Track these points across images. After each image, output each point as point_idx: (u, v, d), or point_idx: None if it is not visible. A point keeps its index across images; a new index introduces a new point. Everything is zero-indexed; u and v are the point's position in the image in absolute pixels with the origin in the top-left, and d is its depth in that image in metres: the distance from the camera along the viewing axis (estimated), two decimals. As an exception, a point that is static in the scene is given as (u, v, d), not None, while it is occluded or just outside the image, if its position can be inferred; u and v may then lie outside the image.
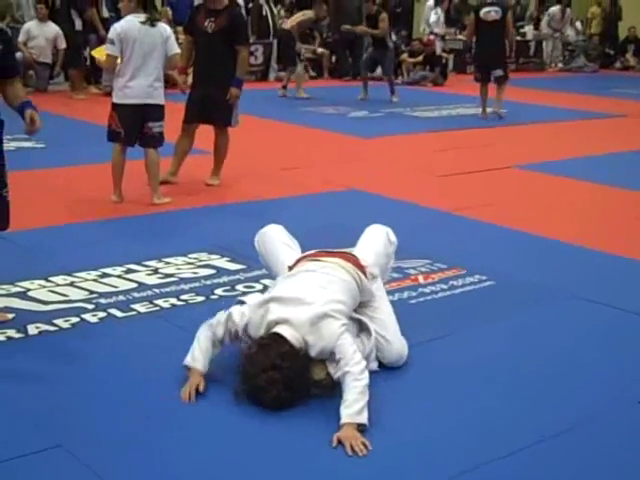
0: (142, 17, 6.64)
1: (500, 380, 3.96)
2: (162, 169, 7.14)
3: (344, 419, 3.36)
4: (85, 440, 3.31)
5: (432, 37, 17.41)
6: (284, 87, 14.04)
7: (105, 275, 5.13)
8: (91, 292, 4.86)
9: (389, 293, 4.47)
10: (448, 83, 16.92)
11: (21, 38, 13.17)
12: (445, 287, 5.14)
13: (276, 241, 4.40)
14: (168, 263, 5.39)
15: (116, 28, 6.67)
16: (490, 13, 11.86)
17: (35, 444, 3.26)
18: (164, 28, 6.85)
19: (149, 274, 5.20)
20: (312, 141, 10.22)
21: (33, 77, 13.57)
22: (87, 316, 4.53)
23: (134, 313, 4.61)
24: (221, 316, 3.82)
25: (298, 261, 4.14)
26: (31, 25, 13.43)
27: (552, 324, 4.67)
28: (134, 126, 6.69)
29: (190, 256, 5.54)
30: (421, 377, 3.95)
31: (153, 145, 6.80)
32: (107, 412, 3.54)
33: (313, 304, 3.68)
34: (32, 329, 4.33)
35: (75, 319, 4.48)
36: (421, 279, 5.26)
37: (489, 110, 12.29)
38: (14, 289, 4.84)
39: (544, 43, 20.99)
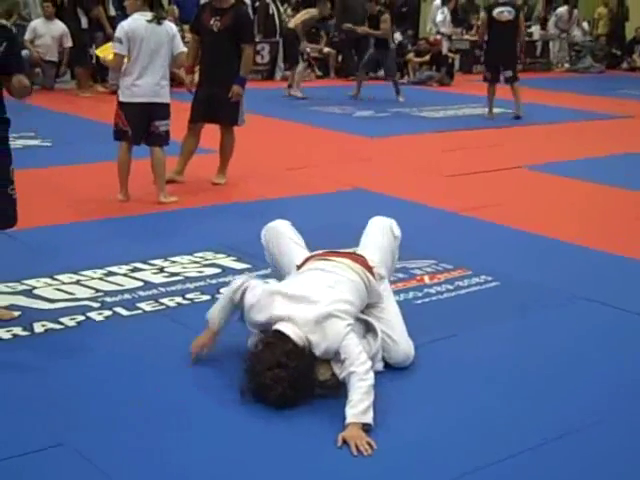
0: (149, 15, 6.64)
1: (504, 381, 3.95)
2: (168, 168, 7.14)
3: (349, 419, 3.36)
4: (89, 438, 3.32)
5: (439, 37, 17.39)
6: (289, 86, 14.05)
7: (111, 274, 5.14)
8: (97, 290, 4.87)
9: (395, 293, 4.47)
10: (454, 83, 16.91)
11: (27, 36, 13.20)
12: (451, 287, 5.14)
13: (284, 237, 4.38)
14: (174, 262, 5.40)
15: (123, 27, 6.67)
16: (503, 13, 11.86)
17: (38, 442, 3.27)
18: (170, 26, 6.86)
19: (155, 273, 5.20)
20: (318, 141, 10.22)
21: (40, 75, 13.59)
22: (93, 314, 4.54)
23: (140, 312, 4.61)
24: (242, 283, 3.88)
25: (307, 260, 4.14)
26: (37, 23, 13.46)
27: (559, 325, 4.66)
28: (141, 125, 6.69)
29: (196, 255, 5.54)
30: (426, 377, 3.95)
31: (159, 144, 6.80)
32: (112, 411, 3.54)
33: (319, 303, 3.68)
34: (38, 327, 4.33)
35: (81, 317, 4.49)
36: (427, 279, 5.26)
37: (496, 111, 12.28)
38: (20, 287, 4.85)
39: (551, 43, 20.97)
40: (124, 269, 5.22)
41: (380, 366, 3.90)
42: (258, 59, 16.12)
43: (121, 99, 6.75)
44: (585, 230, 6.58)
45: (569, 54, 21.36)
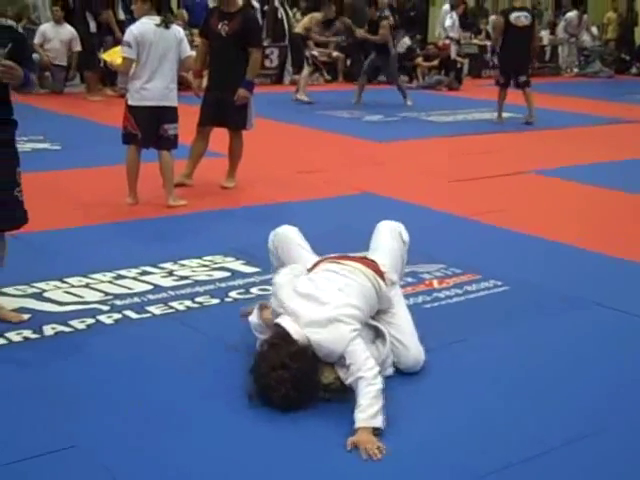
0: (157, 19, 6.66)
1: (514, 385, 3.94)
2: (177, 171, 7.16)
3: (358, 423, 3.35)
4: (100, 441, 3.32)
5: (447, 41, 17.39)
6: (297, 91, 14.05)
7: (120, 277, 5.15)
8: (106, 294, 4.88)
9: (404, 298, 4.45)
10: (463, 87, 16.90)
11: (37, 40, 13.25)
12: (460, 292, 5.13)
13: (293, 243, 4.37)
14: (183, 265, 5.40)
15: (132, 31, 6.69)
16: (520, 18, 11.87)
17: (50, 444, 3.27)
18: (178, 30, 6.89)
19: (164, 276, 5.21)
20: (327, 145, 10.22)
21: (49, 79, 13.64)
22: (102, 317, 4.54)
23: (149, 315, 4.62)
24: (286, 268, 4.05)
25: (318, 262, 4.13)
26: (47, 27, 13.51)
27: (568, 329, 4.65)
28: (151, 128, 6.70)
29: (205, 258, 5.54)
30: (436, 382, 3.94)
31: (167, 147, 6.81)
32: (122, 413, 3.54)
33: (326, 305, 3.68)
34: (48, 330, 4.34)
35: (90, 320, 4.49)
36: (436, 284, 5.25)
37: (505, 115, 12.28)
38: (30, 290, 4.86)
39: (560, 48, 20.96)
40: (133, 272, 5.23)
41: (390, 371, 3.89)
42: (267, 63, 16.15)
43: (130, 103, 6.76)
44: (595, 235, 6.57)
45: (578, 59, 21.34)
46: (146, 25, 6.65)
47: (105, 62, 7.51)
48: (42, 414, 3.51)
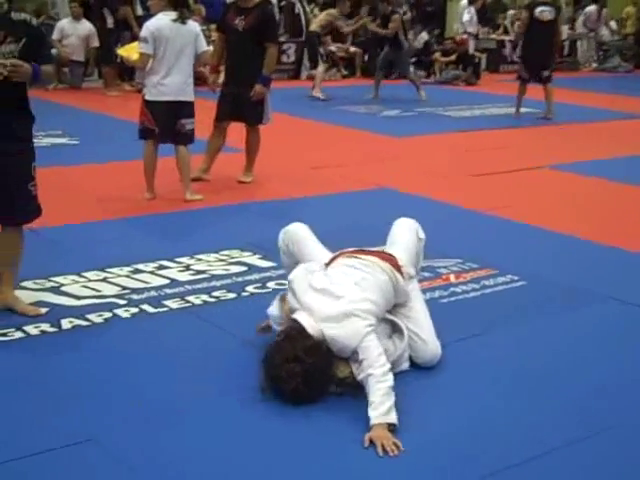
0: (173, 15, 6.68)
1: (531, 380, 3.93)
2: (194, 166, 7.18)
3: (373, 420, 3.35)
4: (117, 434, 3.34)
5: (465, 36, 17.33)
6: (314, 87, 14.03)
7: (137, 271, 5.17)
8: (123, 288, 4.90)
9: (421, 292, 4.45)
10: (481, 82, 16.83)
11: (55, 36, 13.30)
12: (477, 287, 5.12)
13: (304, 239, 4.35)
14: (200, 260, 5.42)
15: (149, 27, 6.71)
16: (545, 13, 11.81)
17: (67, 438, 3.29)
18: (194, 25, 6.92)
19: (181, 270, 5.22)
20: (344, 140, 10.21)
21: (67, 74, 13.70)
22: (119, 311, 4.56)
23: (166, 309, 4.64)
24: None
25: (336, 257, 4.12)
26: (64, 23, 13.57)
27: (587, 325, 4.64)
28: (168, 123, 6.72)
29: (222, 253, 5.56)
30: (452, 376, 3.94)
31: (184, 142, 6.83)
32: (139, 407, 3.56)
33: (341, 299, 3.68)
34: (65, 323, 4.37)
35: (108, 314, 4.52)
36: (453, 278, 5.25)
37: (522, 111, 12.23)
38: (48, 284, 4.89)
39: (578, 43, 20.84)
40: (150, 267, 5.25)
41: (406, 366, 3.90)
42: (284, 58, 16.14)
43: (147, 98, 6.78)
44: (612, 229, 6.53)
45: (597, 53, 21.22)
46: (162, 21, 6.67)
47: (121, 58, 7.50)
48: (59, 407, 3.54)
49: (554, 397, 3.78)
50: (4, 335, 4.19)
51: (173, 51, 6.67)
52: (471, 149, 9.72)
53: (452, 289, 5.07)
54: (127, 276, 5.08)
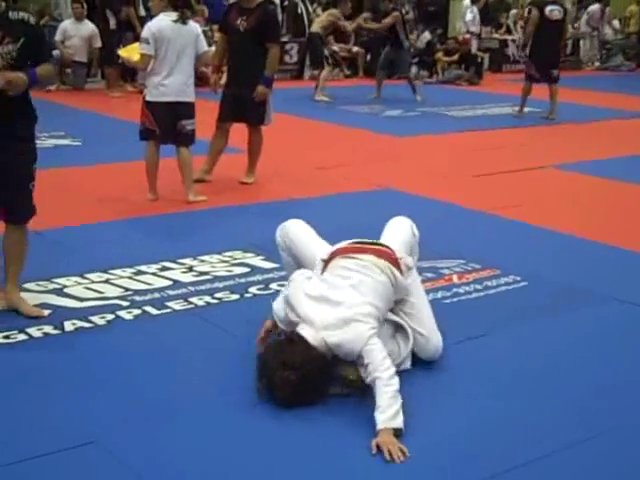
0: (173, 16, 6.68)
1: (534, 381, 3.93)
2: (196, 167, 7.18)
3: (379, 425, 3.34)
4: (119, 437, 3.34)
5: (468, 36, 17.32)
6: (316, 87, 14.02)
7: (140, 272, 5.17)
8: (126, 289, 4.90)
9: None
10: (483, 82, 16.82)
11: (58, 37, 13.33)
12: (479, 287, 5.12)
13: (301, 233, 4.33)
14: (203, 261, 5.42)
15: (150, 27, 6.71)
16: (554, 12, 11.79)
17: (69, 440, 3.29)
18: (195, 26, 6.92)
19: (184, 272, 5.22)
20: (346, 140, 10.21)
21: (70, 75, 13.72)
22: (122, 313, 4.57)
23: (169, 311, 4.64)
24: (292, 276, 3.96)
25: (333, 255, 4.06)
26: (67, 24, 13.58)
27: (590, 326, 4.63)
28: (169, 124, 6.73)
29: (225, 254, 5.56)
30: (455, 377, 3.94)
31: (185, 143, 6.84)
32: (141, 409, 3.56)
33: (341, 305, 3.65)
34: (68, 325, 4.37)
35: (110, 316, 4.52)
36: (455, 279, 5.24)
37: (526, 109, 12.22)
38: (51, 286, 4.89)
39: (581, 41, 20.83)
40: (153, 268, 5.25)
41: (408, 364, 3.89)
42: (287, 59, 16.14)
43: (148, 98, 6.78)
44: (615, 229, 6.53)
45: (600, 52, 21.20)
46: (163, 21, 6.68)
47: (122, 59, 7.49)
48: (61, 410, 3.54)
49: (555, 398, 3.78)
50: (7, 337, 4.20)
51: (174, 52, 6.67)
52: (474, 149, 9.71)
53: (455, 290, 5.06)
54: (130, 277, 5.09)
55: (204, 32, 7.15)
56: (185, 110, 6.78)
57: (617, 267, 5.65)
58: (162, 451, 3.26)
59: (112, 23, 13.31)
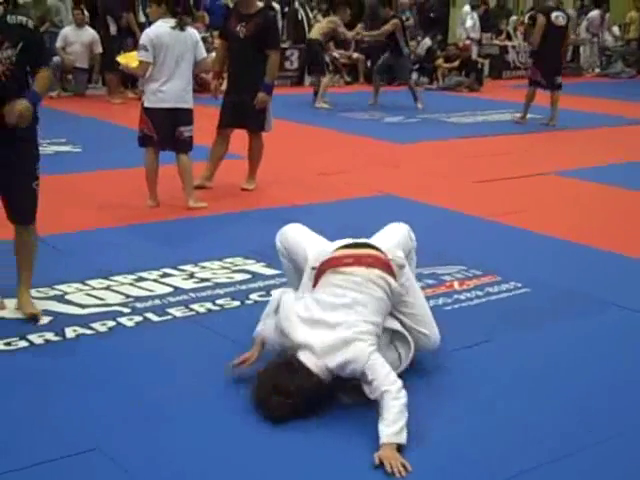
0: (172, 22, 6.69)
1: (537, 388, 3.93)
2: (197, 174, 7.18)
3: (383, 439, 3.31)
4: (121, 444, 3.34)
5: (468, 42, 17.33)
6: (316, 93, 14.01)
7: (141, 279, 5.17)
8: (127, 296, 4.90)
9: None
10: (484, 89, 16.83)
11: (59, 43, 13.37)
12: (480, 294, 5.12)
13: (299, 237, 4.29)
14: (204, 267, 5.42)
15: (148, 34, 6.73)
16: (559, 18, 11.82)
17: (71, 447, 3.29)
18: (193, 32, 6.94)
19: (185, 278, 5.22)
20: (347, 146, 10.22)
21: (71, 82, 13.74)
22: (123, 320, 4.56)
23: (170, 317, 4.64)
24: (278, 298, 3.89)
25: (323, 267, 3.93)
26: (68, 30, 13.61)
27: (590, 332, 4.63)
28: (167, 130, 6.73)
29: (226, 261, 5.56)
30: (457, 384, 3.94)
31: (183, 150, 6.84)
32: (143, 416, 3.56)
33: (337, 327, 3.61)
34: (69, 332, 4.37)
35: (112, 323, 4.52)
36: (456, 285, 5.24)
37: (528, 116, 12.23)
38: (52, 292, 4.89)
39: (581, 48, 20.85)
40: (154, 275, 5.25)
41: (406, 364, 3.88)
42: (287, 65, 16.16)
43: (146, 105, 6.79)
44: (615, 236, 6.53)
45: (600, 59, 21.23)
46: (161, 28, 6.69)
47: (120, 65, 7.49)
48: (63, 416, 3.53)
49: (556, 402, 3.78)
50: (8, 344, 4.19)
51: (172, 58, 6.68)
52: (474, 155, 9.71)
53: (456, 296, 5.06)
54: (131, 284, 5.09)
55: (204, 38, 7.16)
56: (184, 116, 6.78)
57: (617, 273, 5.66)
58: (163, 457, 3.25)
59: (113, 29, 13.33)
